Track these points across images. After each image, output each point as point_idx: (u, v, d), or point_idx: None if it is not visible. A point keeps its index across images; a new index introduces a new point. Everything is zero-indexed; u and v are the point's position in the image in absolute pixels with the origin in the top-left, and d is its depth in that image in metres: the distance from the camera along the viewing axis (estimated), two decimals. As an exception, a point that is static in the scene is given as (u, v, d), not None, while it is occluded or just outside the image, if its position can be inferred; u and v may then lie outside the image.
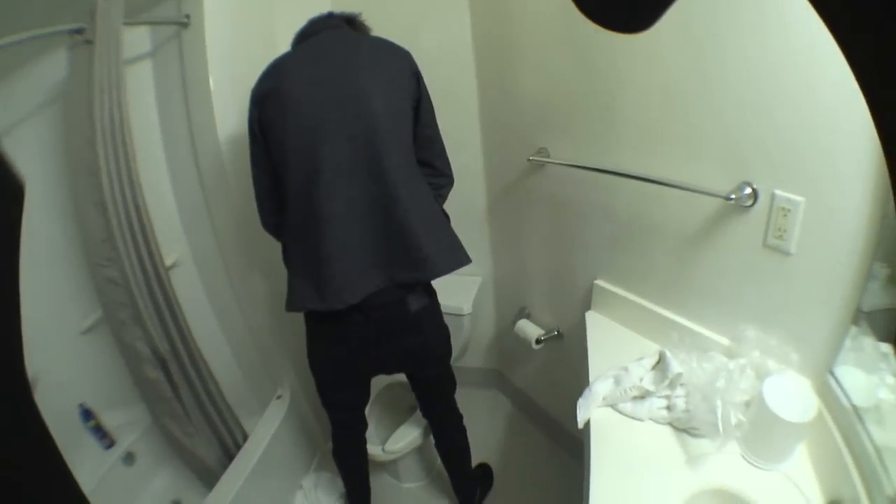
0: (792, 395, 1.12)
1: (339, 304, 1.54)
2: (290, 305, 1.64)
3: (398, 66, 1.61)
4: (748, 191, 1.25)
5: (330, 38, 1.61)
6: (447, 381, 2.02)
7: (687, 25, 1.30)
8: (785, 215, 1.18)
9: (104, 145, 1.77)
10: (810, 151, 1.12)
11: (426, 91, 1.69)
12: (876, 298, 1.04)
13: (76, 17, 1.83)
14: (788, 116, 1.14)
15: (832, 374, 1.14)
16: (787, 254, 1.21)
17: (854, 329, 1.09)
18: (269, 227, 1.77)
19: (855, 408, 1.05)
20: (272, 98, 1.54)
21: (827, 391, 1.15)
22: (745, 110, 1.23)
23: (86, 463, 2.27)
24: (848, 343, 1.11)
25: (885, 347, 1.03)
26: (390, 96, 1.55)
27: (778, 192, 1.19)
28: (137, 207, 1.86)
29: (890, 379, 1.00)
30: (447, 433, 2.11)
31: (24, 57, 2.08)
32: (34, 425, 0.40)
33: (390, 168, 1.52)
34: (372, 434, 2.30)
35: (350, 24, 1.72)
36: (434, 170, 1.74)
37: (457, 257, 1.66)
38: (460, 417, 2.11)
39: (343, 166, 1.51)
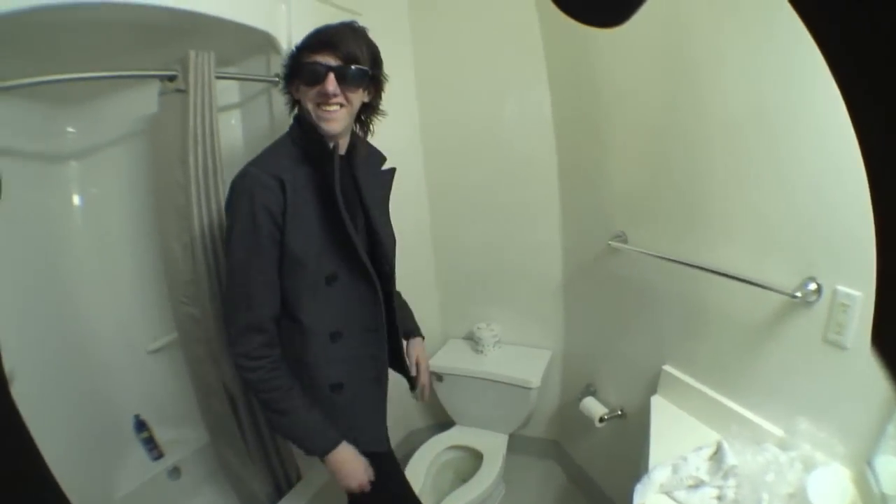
0: (833, 488, 1.21)
1: None
2: None
3: None
4: (812, 286, 1.37)
5: None
6: None
7: (766, 123, 1.47)
8: (844, 311, 1.30)
9: (197, 191, 1.97)
10: (870, 246, 1.20)
11: (228, 221, 1.49)
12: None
13: (163, 57, 2.08)
14: (853, 212, 1.25)
15: (869, 464, 1.23)
16: (843, 348, 1.32)
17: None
18: None
19: (883, 497, 1.14)
20: None
21: (863, 482, 1.24)
22: (813, 205, 1.37)
23: (130, 469, 2.53)
24: (892, 430, 1.19)
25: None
26: None
27: (840, 287, 1.31)
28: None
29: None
30: None
31: (112, 87, 2.41)
32: (10, 419, 0.42)
33: None
34: (427, 494, 2.46)
35: None
36: None
37: None
38: None
39: None
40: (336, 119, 1.47)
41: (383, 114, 1.71)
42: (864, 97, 0.30)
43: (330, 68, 1.42)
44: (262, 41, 2.28)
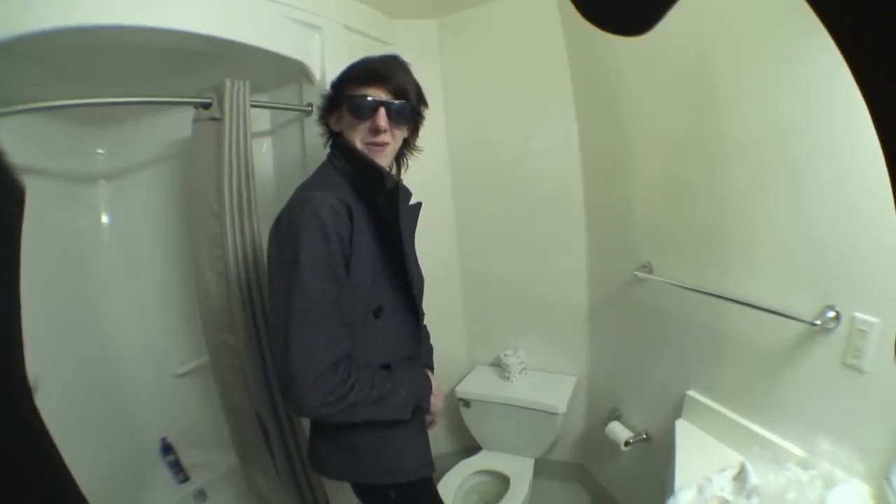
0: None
1: None
2: None
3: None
4: (831, 314, 1.46)
5: None
6: None
7: (786, 156, 1.57)
8: (862, 336, 1.39)
9: (231, 221, 2.02)
10: (887, 274, 1.32)
11: (275, 257, 1.37)
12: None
13: (195, 82, 2.15)
14: (868, 242, 1.36)
15: (888, 479, 1.30)
16: (861, 372, 1.40)
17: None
18: None
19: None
20: None
21: (882, 497, 1.32)
22: (830, 235, 1.46)
23: (156, 491, 2.61)
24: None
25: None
26: None
27: (857, 314, 1.40)
28: (259, 283, 2.09)
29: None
30: None
31: (143, 111, 2.55)
32: (34, 423, 0.44)
33: None
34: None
35: None
36: None
37: None
38: None
39: None
40: (384, 156, 1.47)
41: (419, 150, 1.70)
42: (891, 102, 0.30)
43: (381, 103, 1.40)
44: (295, 70, 2.38)
